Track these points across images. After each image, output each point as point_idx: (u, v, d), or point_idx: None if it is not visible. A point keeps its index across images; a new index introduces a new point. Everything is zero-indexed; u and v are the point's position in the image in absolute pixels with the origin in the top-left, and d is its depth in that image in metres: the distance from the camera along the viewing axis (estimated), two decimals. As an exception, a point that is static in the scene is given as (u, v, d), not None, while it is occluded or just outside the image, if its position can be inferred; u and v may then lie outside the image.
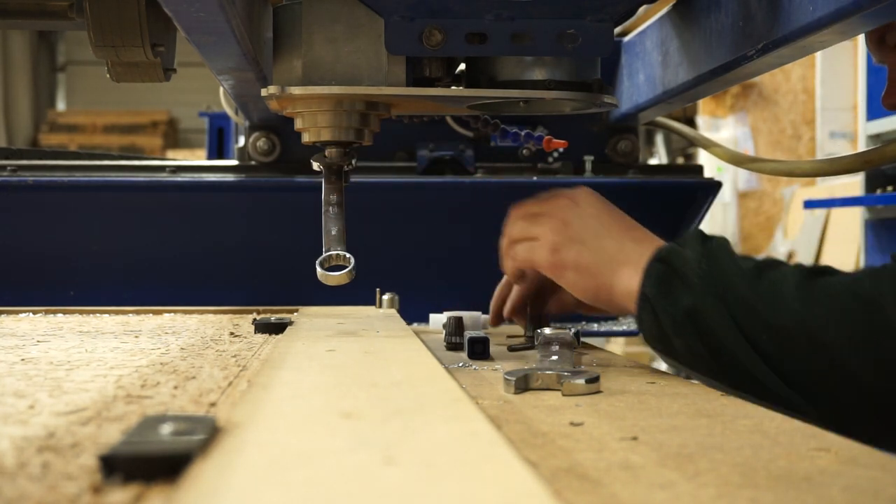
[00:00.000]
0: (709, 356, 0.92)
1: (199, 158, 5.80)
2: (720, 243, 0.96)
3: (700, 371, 0.95)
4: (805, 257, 5.02)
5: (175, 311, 1.47)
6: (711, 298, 0.91)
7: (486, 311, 1.38)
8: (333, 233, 1.11)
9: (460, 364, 1.02)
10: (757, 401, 0.84)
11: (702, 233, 0.98)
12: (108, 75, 1.23)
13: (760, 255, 1.10)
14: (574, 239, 1.03)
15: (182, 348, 1.02)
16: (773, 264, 0.93)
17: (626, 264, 0.99)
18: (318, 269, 1.08)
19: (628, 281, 0.99)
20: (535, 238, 1.06)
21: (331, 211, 1.12)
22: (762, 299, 0.90)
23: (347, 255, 1.08)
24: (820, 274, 0.91)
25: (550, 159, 1.78)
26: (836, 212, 4.81)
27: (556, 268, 1.04)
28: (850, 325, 0.86)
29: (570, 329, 1.10)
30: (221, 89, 1.56)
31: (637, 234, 1.03)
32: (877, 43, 1.17)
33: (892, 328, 0.84)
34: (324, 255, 1.09)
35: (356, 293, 1.31)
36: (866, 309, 0.86)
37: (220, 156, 3.54)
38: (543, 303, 1.20)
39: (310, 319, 1.25)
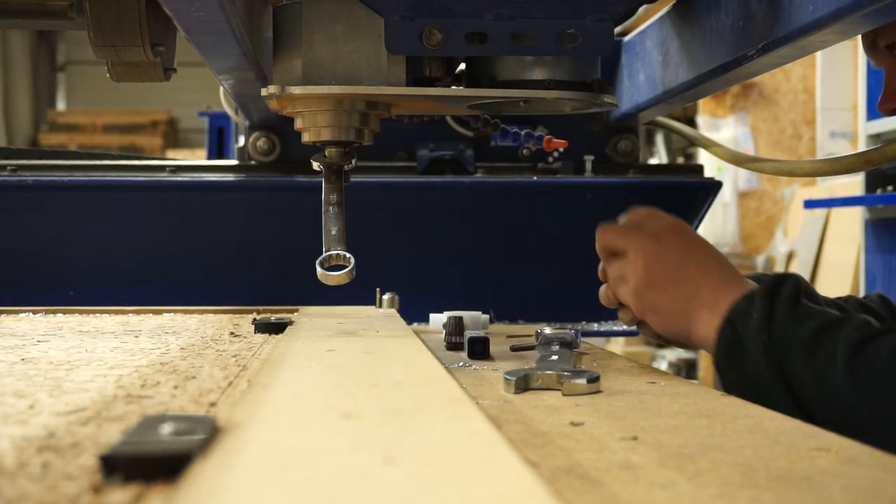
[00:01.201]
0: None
1: (199, 158, 5.80)
2: (786, 298, 0.96)
3: None
4: (805, 257, 5.02)
5: (175, 311, 1.47)
6: (770, 370, 0.93)
7: (486, 311, 1.38)
8: (333, 233, 1.11)
9: (460, 364, 1.02)
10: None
11: (773, 285, 0.97)
12: (108, 75, 1.23)
13: (822, 292, 1.09)
14: (653, 285, 1.04)
15: (182, 348, 1.02)
16: (832, 326, 0.93)
17: (702, 310, 1.01)
18: (319, 269, 1.08)
19: (703, 328, 1.01)
20: (623, 276, 1.06)
21: (331, 211, 1.12)
22: (815, 376, 0.91)
23: (347, 255, 1.08)
24: (872, 339, 0.90)
25: (550, 159, 1.77)
26: (836, 211, 4.81)
27: (639, 310, 1.06)
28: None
29: (570, 329, 1.10)
30: (221, 89, 1.56)
31: (714, 278, 1.03)
32: (870, 47, 1.17)
33: None
34: (324, 254, 1.09)
35: (356, 293, 1.30)
36: None
37: (220, 156, 3.54)
38: None
39: (310, 319, 1.25)
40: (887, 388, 0.87)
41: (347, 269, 1.07)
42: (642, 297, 1.05)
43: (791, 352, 0.93)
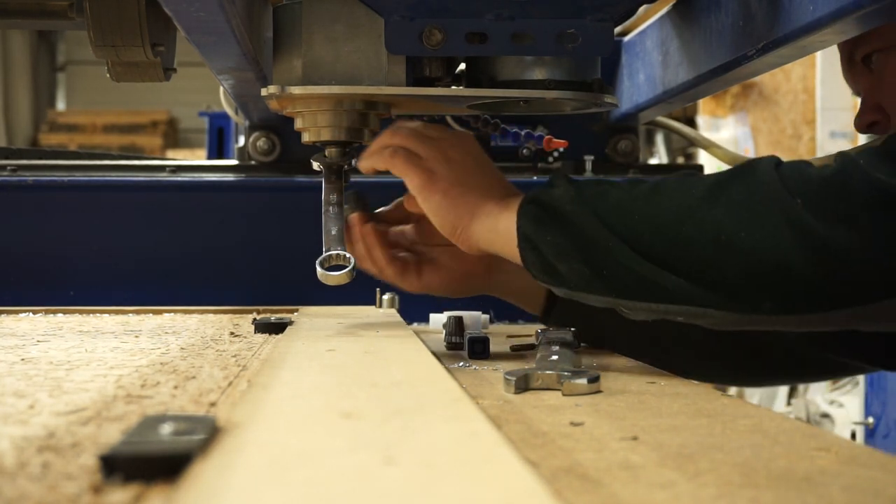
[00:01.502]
0: (592, 274, 0.94)
1: (199, 158, 5.80)
2: (588, 180, 1.02)
3: (592, 292, 0.96)
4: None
5: (175, 311, 1.47)
6: (586, 216, 0.94)
7: (486, 311, 1.38)
8: (333, 232, 1.11)
9: (460, 364, 1.02)
10: (661, 311, 0.91)
11: (568, 175, 1.01)
12: (108, 75, 1.23)
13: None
14: (449, 174, 1.05)
15: (182, 348, 1.02)
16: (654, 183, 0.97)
17: (490, 201, 1.03)
18: (319, 269, 1.08)
19: (487, 217, 1.02)
20: (420, 156, 1.07)
21: (331, 211, 1.12)
22: (638, 199, 0.93)
23: (347, 255, 1.09)
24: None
25: (550, 159, 1.77)
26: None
27: (426, 189, 1.05)
28: (733, 200, 0.88)
29: (570, 329, 1.10)
30: (221, 89, 1.56)
31: (506, 182, 1.07)
32: (847, 61, 1.16)
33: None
34: (324, 254, 1.09)
35: (356, 293, 1.30)
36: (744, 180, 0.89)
37: (220, 156, 3.54)
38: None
39: (310, 319, 1.25)
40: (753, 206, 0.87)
41: (347, 270, 1.07)
42: (436, 177, 1.05)
43: (606, 192, 0.95)
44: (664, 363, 1.06)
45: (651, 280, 0.91)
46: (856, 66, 1.15)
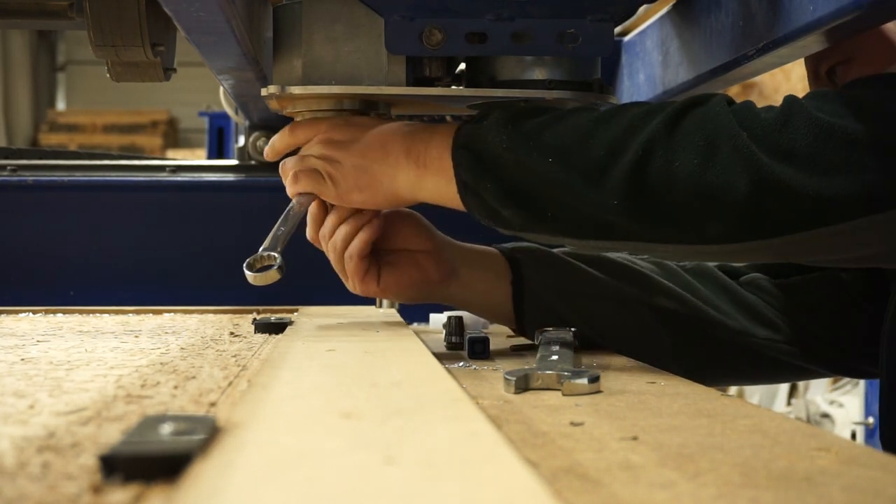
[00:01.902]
0: (536, 216, 0.95)
1: (199, 158, 5.80)
2: (523, 108, 1.00)
3: (538, 231, 0.98)
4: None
5: (175, 311, 1.47)
6: (522, 160, 0.94)
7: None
8: (278, 233, 1.08)
9: (460, 364, 1.02)
10: (608, 245, 0.94)
11: (509, 112, 0.99)
12: (108, 75, 1.23)
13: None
14: (344, 167, 1.04)
15: (182, 348, 1.02)
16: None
17: (400, 162, 1.02)
18: (246, 272, 1.06)
19: (407, 180, 1.02)
20: (315, 169, 1.06)
21: (290, 211, 1.10)
22: (579, 131, 0.94)
23: (274, 255, 1.06)
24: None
25: (550, 159, 1.77)
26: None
27: (339, 197, 1.05)
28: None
29: (570, 329, 1.10)
30: (221, 89, 1.56)
31: (396, 129, 1.05)
32: (813, 76, 1.18)
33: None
34: (252, 256, 1.07)
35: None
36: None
37: (220, 156, 3.54)
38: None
39: (310, 319, 1.25)
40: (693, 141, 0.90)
41: (273, 268, 1.05)
42: (338, 165, 1.04)
43: (538, 128, 0.95)
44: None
45: (596, 217, 0.93)
46: (821, 79, 1.17)
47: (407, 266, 1.13)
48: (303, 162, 1.07)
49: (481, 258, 1.16)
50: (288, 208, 1.09)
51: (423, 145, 1.01)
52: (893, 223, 0.88)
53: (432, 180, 1.01)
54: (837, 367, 1.29)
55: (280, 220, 1.08)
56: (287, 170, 1.09)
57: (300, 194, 1.08)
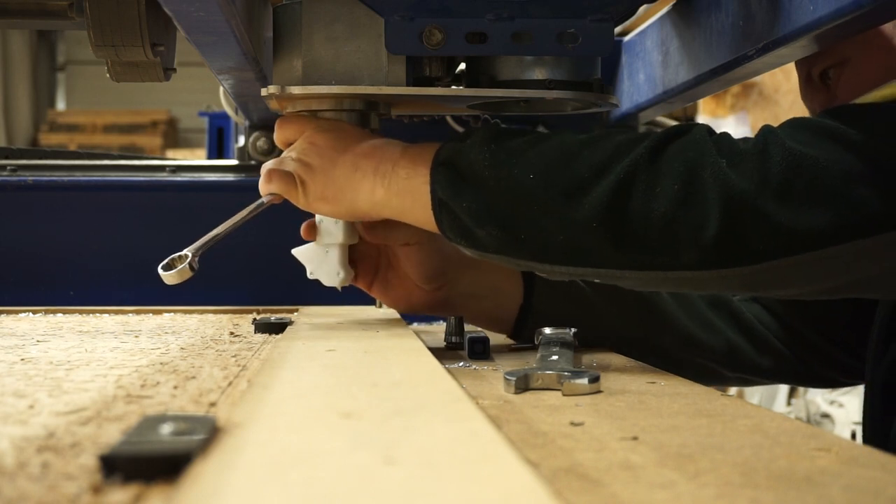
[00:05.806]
0: (511, 238, 0.95)
1: (199, 158, 5.80)
2: (507, 128, 1.01)
3: (510, 255, 0.97)
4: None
5: (175, 311, 1.47)
6: (502, 179, 0.94)
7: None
8: (214, 233, 1.09)
9: (460, 364, 1.02)
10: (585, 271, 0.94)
11: (492, 131, 0.99)
12: (107, 75, 1.23)
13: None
14: (317, 174, 1.05)
15: (182, 348, 1.02)
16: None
17: (368, 177, 1.02)
18: (160, 272, 1.06)
19: (372, 195, 1.02)
20: (287, 171, 1.06)
21: (246, 211, 1.10)
22: (562, 156, 0.94)
23: (183, 254, 1.07)
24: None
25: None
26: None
27: (309, 204, 1.07)
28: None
29: (570, 329, 1.10)
30: (221, 89, 1.56)
31: (372, 144, 1.04)
32: (805, 80, 1.19)
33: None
34: (168, 258, 1.08)
35: (356, 293, 1.30)
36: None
37: (220, 156, 3.53)
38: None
39: (310, 319, 1.25)
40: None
41: (178, 268, 1.06)
42: (307, 186, 1.05)
43: (520, 149, 0.95)
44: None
45: (569, 240, 0.93)
46: (813, 83, 1.18)
47: (392, 278, 1.18)
48: (281, 163, 1.07)
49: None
50: (258, 202, 1.09)
51: (390, 164, 1.01)
52: (862, 252, 0.88)
53: (396, 199, 1.01)
54: (828, 384, 1.35)
55: (231, 220, 1.09)
56: (266, 167, 1.09)
57: (271, 193, 1.08)
